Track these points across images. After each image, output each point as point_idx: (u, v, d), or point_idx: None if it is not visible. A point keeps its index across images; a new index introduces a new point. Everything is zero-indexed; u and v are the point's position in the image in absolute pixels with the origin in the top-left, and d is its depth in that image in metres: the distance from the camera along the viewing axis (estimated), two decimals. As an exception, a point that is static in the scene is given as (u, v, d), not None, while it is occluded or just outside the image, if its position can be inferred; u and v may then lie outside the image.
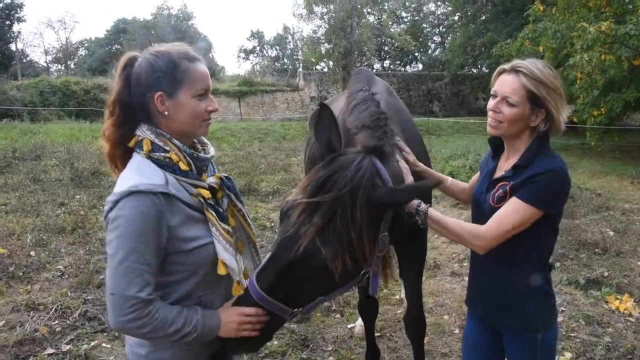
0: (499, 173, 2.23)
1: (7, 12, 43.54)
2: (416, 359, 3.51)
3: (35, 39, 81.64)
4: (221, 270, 1.80)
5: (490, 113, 2.13)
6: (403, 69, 49.84)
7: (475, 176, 2.52)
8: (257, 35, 63.33)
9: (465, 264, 5.99)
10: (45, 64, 58.40)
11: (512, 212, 2.01)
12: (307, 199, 1.80)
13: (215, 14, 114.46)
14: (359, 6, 32.01)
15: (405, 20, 50.26)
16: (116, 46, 54.41)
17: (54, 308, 4.61)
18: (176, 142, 1.78)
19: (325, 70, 36.65)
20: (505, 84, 2.08)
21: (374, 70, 34.42)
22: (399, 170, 2.26)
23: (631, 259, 6.16)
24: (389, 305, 5.04)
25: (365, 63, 34.09)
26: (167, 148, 1.76)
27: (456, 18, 38.56)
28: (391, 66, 49.78)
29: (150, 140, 1.76)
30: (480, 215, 2.20)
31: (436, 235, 6.73)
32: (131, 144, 1.78)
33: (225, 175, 1.97)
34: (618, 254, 6.28)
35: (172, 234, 1.70)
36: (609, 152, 16.34)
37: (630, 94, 13.81)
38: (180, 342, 1.73)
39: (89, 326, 4.41)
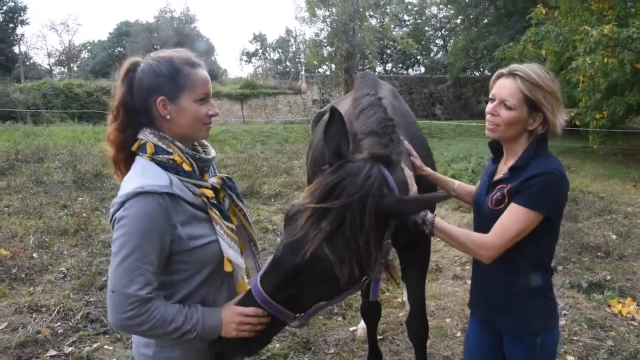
0: (498, 176, 2.26)
1: (10, 14, 43.70)
2: (418, 362, 3.51)
3: (38, 41, 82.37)
4: (228, 267, 1.84)
5: (488, 116, 2.16)
6: (405, 72, 49.83)
7: None
8: (260, 38, 63.46)
9: (468, 267, 5.98)
10: (48, 67, 58.74)
11: (513, 220, 2.02)
12: (315, 204, 1.80)
13: (217, 16, 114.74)
14: (361, 9, 32.04)
15: (408, 23, 50.29)
16: (119, 49, 54.52)
17: (56, 310, 4.62)
18: (179, 144, 1.82)
19: (328, 73, 36.66)
20: (503, 88, 2.11)
21: (376, 74, 34.42)
22: (405, 179, 2.26)
23: (634, 262, 6.15)
24: (391, 308, 5.04)
25: (368, 66, 34.06)
26: (170, 150, 1.80)
27: (458, 21, 38.56)
28: (393, 69, 49.79)
29: (154, 143, 1.80)
30: (481, 218, 2.24)
31: (438, 239, 6.71)
32: (134, 147, 1.82)
33: (226, 175, 2.01)
34: (621, 258, 6.27)
35: (177, 233, 1.73)
36: (612, 156, 16.32)
37: (633, 97, 13.80)
38: (180, 340, 1.75)
39: (91, 328, 4.41)
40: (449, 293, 5.41)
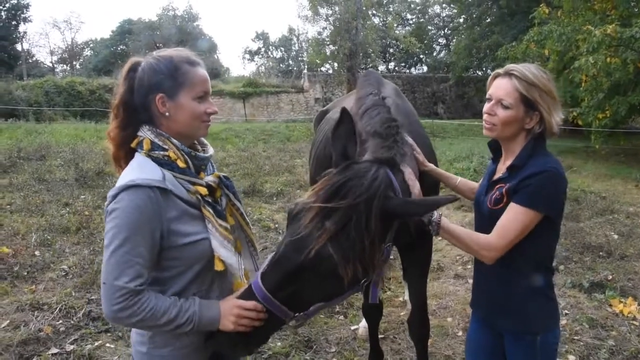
0: (496, 175, 2.28)
1: (13, 12, 43.76)
2: (419, 361, 3.51)
3: (41, 39, 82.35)
4: (218, 266, 1.85)
5: (485, 116, 2.19)
6: (408, 71, 49.86)
7: None
8: (262, 37, 63.43)
9: (469, 267, 5.99)
10: (50, 64, 58.68)
11: (513, 220, 2.04)
12: (320, 204, 1.80)
13: (220, 15, 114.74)
14: (364, 8, 31.98)
15: (410, 22, 50.29)
16: (121, 47, 54.59)
17: (58, 308, 4.63)
18: (175, 141, 1.85)
19: (330, 71, 36.63)
20: (499, 88, 2.13)
21: (379, 72, 34.35)
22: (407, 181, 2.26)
23: (635, 262, 6.14)
24: (392, 308, 5.04)
25: (370, 65, 34.05)
26: (166, 147, 1.83)
27: (461, 20, 38.57)
28: (396, 68, 49.79)
29: (150, 140, 1.83)
30: (481, 217, 2.26)
31: (440, 238, 6.72)
32: (133, 144, 1.86)
33: (224, 174, 2.01)
34: (622, 257, 6.26)
35: (168, 228, 1.75)
36: (614, 155, 16.29)
37: (636, 97, 13.75)
38: (176, 332, 1.77)
39: (92, 326, 4.42)
40: (451, 292, 5.41)
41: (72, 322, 4.46)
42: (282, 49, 62.93)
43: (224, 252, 1.85)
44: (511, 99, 2.09)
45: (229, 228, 1.91)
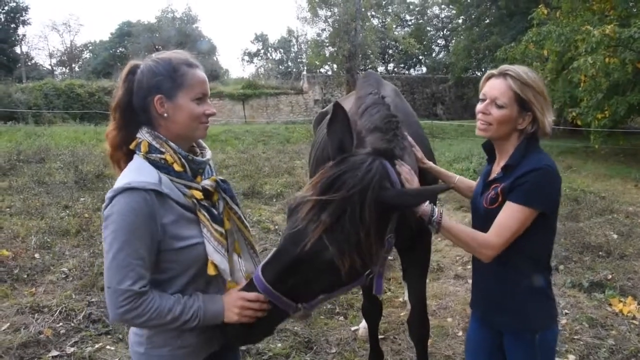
0: (492, 176, 2.31)
1: (12, 15, 43.77)
2: (419, 361, 3.52)
3: (40, 42, 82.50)
4: (211, 271, 1.86)
5: (479, 115, 2.21)
6: (407, 72, 49.83)
7: None
8: (262, 39, 63.43)
9: (469, 267, 5.98)
10: (49, 67, 58.70)
11: (509, 217, 2.07)
12: (316, 197, 1.83)
13: (219, 17, 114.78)
14: (363, 9, 32.01)
15: (410, 23, 50.29)
16: (120, 49, 54.58)
17: (58, 310, 4.63)
18: (172, 144, 1.86)
19: (329, 73, 36.62)
20: (493, 88, 2.17)
21: (378, 73, 34.36)
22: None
23: (635, 261, 6.15)
24: (392, 308, 5.05)
25: (369, 66, 34.07)
26: (163, 150, 1.84)
27: (460, 21, 38.57)
28: (395, 69, 49.80)
29: (148, 142, 1.84)
30: (477, 217, 2.30)
31: (440, 238, 6.74)
32: (132, 146, 1.87)
33: (221, 178, 2.02)
34: (622, 257, 6.27)
35: (165, 231, 1.76)
36: (613, 155, 16.30)
37: (634, 97, 13.77)
38: (182, 328, 1.79)
39: (93, 328, 4.42)
40: (450, 292, 5.42)
41: (72, 324, 4.46)
42: (281, 50, 62.95)
43: (217, 257, 1.86)
44: (505, 98, 2.12)
45: (223, 233, 1.92)
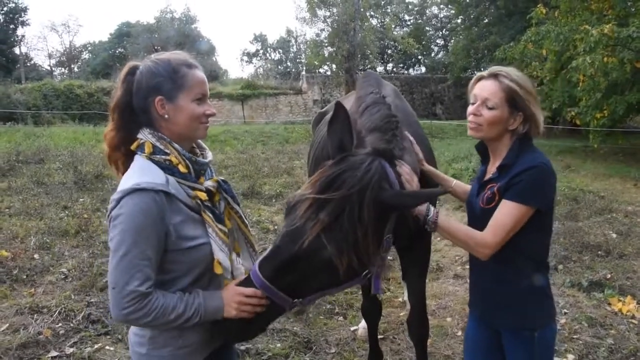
0: (487, 176, 2.32)
1: (11, 15, 43.77)
2: (418, 361, 3.52)
3: (39, 42, 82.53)
4: (218, 270, 1.88)
5: (470, 117, 2.24)
6: (406, 72, 49.81)
7: None
8: (260, 39, 63.40)
9: (468, 267, 5.99)
10: (49, 68, 58.63)
11: (506, 215, 2.08)
12: (315, 195, 1.84)
13: (218, 17, 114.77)
14: (361, 9, 32.02)
15: (408, 23, 50.29)
16: (120, 50, 54.54)
17: (57, 311, 4.62)
18: (176, 145, 1.87)
19: (329, 73, 36.63)
20: (484, 89, 2.19)
21: (378, 73, 34.35)
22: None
23: (634, 261, 6.15)
24: (392, 308, 5.05)
25: (368, 66, 34.10)
26: (168, 151, 1.85)
27: (459, 21, 38.57)
28: (394, 69, 49.79)
29: (152, 144, 1.85)
30: (474, 218, 2.32)
31: (439, 238, 6.74)
32: (133, 146, 1.87)
33: (222, 179, 2.03)
34: (621, 256, 6.28)
35: (173, 231, 1.77)
36: (612, 155, 16.31)
37: (633, 96, 13.79)
38: (185, 326, 1.80)
39: (92, 329, 4.42)
40: (450, 292, 5.42)
41: (71, 325, 4.46)
42: (280, 50, 62.93)
43: (222, 255, 1.88)
44: (496, 99, 2.14)
45: (226, 232, 1.94)
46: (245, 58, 64.52)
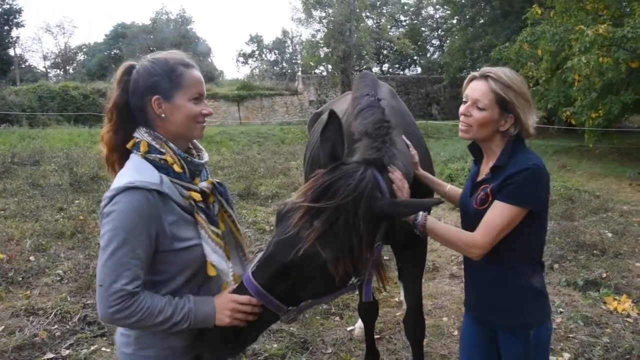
0: (480, 177, 2.32)
1: (5, 17, 43.54)
2: (415, 360, 3.52)
3: (34, 44, 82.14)
4: (211, 272, 1.86)
5: (461, 117, 2.24)
6: (402, 72, 49.88)
7: None
8: (256, 40, 63.33)
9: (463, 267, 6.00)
10: (44, 69, 58.47)
11: (497, 216, 2.09)
12: (309, 203, 1.83)
13: (214, 18, 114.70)
14: (357, 10, 32.09)
15: (404, 23, 50.34)
16: (115, 51, 54.39)
17: (53, 313, 4.62)
18: (172, 145, 1.86)
19: (324, 74, 36.72)
20: (475, 90, 2.19)
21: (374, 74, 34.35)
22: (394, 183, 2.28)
23: (629, 260, 6.18)
24: (388, 308, 5.05)
25: (364, 67, 34.14)
26: (163, 150, 1.84)
27: (455, 21, 38.69)
28: (390, 70, 49.83)
29: (148, 143, 1.84)
30: (467, 218, 2.32)
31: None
32: (129, 145, 1.86)
33: (217, 181, 2.02)
34: (616, 255, 6.30)
35: (165, 231, 1.76)
36: (608, 154, 16.37)
37: (628, 96, 13.83)
38: (172, 330, 1.77)
39: (88, 330, 4.42)
40: (446, 292, 5.43)
41: (67, 326, 4.46)
42: (276, 51, 62.89)
43: (215, 257, 1.86)
44: (486, 100, 2.14)
45: (220, 234, 1.93)
46: (241, 59, 64.48)
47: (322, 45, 34.46)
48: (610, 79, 13.47)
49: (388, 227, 2.07)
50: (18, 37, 49.43)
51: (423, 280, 3.57)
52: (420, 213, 2.17)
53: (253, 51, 63.85)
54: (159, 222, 1.74)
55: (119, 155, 1.91)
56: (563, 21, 15.61)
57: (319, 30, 35.04)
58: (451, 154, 14.98)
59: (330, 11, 32.08)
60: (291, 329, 4.44)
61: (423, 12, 49.83)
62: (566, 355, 4.02)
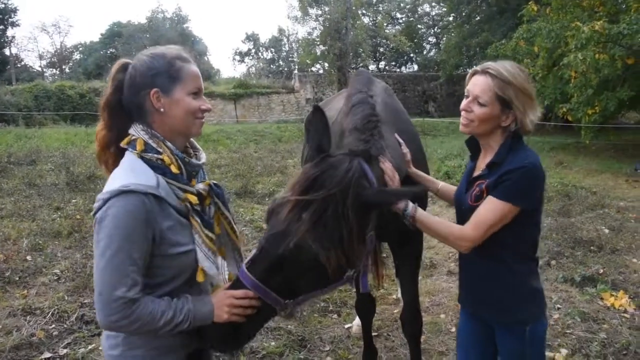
0: (476, 172, 2.32)
1: (1, 16, 43.44)
2: (413, 357, 3.53)
3: (29, 43, 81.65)
4: (200, 278, 1.84)
5: (462, 112, 2.23)
6: (398, 69, 49.92)
7: None
8: (252, 38, 63.31)
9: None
10: (39, 69, 58.28)
11: (489, 211, 2.09)
12: (297, 197, 1.85)
13: (210, 16, 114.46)
14: (353, 8, 32.07)
15: (400, 21, 50.38)
16: (111, 50, 54.29)
17: (50, 312, 4.61)
18: (169, 144, 1.81)
19: (321, 72, 36.69)
20: (476, 85, 2.17)
21: (370, 72, 34.37)
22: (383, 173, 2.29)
23: (626, 256, 6.19)
24: (386, 305, 5.06)
25: (361, 64, 34.15)
26: (160, 150, 1.79)
27: (451, 19, 38.75)
28: (386, 67, 49.86)
29: (144, 141, 1.79)
30: (462, 214, 2.31)
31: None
32: (124, 143, 1.82)
33: (214, 182, 1.99)
34: (613, 252, 6.31)
35: (161, 236, 1.72)
36: (604, 151, 16.41)
37: (624, 92, 13.89)
38: (174, 331, 1.75)
39: (86, 330, 4.41)
40: (443, 289, 5.43)
41: (65, 326, 4.45)
42: (273, 49, 62.89)
43: (207, 264, 1.84)
44: (487, 96, 2.13)
45: (214, 239, 1.90)
46: (238, 57, 64.51)
47: (318, 43, 34.43)
48: (606, 75, 13.52)
49: (379, 218, 2.08)
50: (13, 37, 49.38)
51: (420, 278, 3.57)
52: (410, 204, 2.17)
53: (249, 49, 63.91)
54: (155, 226, 1.70)
55: (111, 153, 1.87)
56: (559, 18, 15.65)
57: (315, 28, 35.04)
58: (448, 152, 14.99)
59: (327, 9, 32.05)
60: (289, 326, 4.44)
61: (419, 9, 49.90)
62: (564, 351, 4.03)
